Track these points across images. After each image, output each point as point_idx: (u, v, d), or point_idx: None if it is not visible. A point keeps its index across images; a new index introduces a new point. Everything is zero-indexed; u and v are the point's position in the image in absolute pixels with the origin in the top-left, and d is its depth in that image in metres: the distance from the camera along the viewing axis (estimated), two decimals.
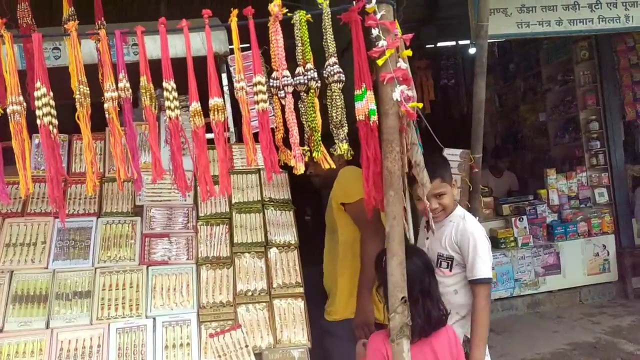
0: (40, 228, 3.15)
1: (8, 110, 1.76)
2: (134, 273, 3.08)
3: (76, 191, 3.34)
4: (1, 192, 2.05)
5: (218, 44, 3.84)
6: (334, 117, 1.93)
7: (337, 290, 3.21)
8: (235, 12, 1.90)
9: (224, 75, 3.83)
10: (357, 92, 1.95)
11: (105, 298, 2.96)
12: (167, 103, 1.91)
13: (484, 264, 2.56)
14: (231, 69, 3.57)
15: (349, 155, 1.94)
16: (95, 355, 2.77)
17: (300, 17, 1.95)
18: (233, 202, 3.48)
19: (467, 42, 7.55)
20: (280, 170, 3.60)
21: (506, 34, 4.68)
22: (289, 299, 3.14)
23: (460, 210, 2.75)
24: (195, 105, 1.93)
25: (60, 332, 2.81)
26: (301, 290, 3.18)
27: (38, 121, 1.82)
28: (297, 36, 1.97)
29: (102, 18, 2.22)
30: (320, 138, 1.95)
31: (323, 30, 1.98)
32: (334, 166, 1.96)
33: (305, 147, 1.96)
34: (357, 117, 1.97)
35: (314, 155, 1.93)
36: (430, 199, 2.62)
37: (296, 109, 2.00)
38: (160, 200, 3.42)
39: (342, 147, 1.93)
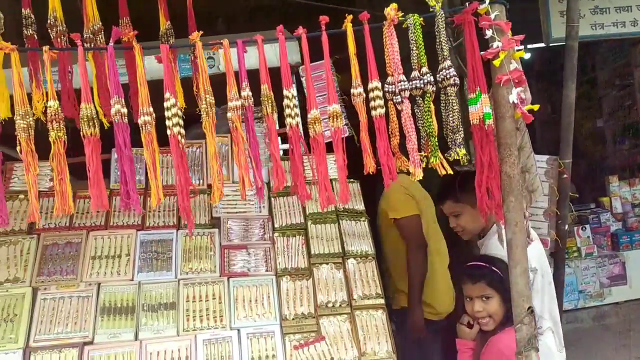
0: (123, 241, 3.20)
1: (140, 122, 1.79)
2: (216, 285, 3.10)
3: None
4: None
5: (291, 55, 3.86)
6: (450, 122, 1.90)
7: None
8: (349, 17, 1.89)
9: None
10: (471, 95, 1.91)
11: (189, 309, 2.98)
12: (287, 110, 1.92)
13: None
14: (302, 79, 3.58)
15: (465, 160, 1.91)
16: None
17: (415, 21, 1.93)
18: (307, 213, 3.48)
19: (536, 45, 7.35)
20: (351, 180, 3.67)
21: (581, 36, 4.58)
22: (370, 311, 3.11)
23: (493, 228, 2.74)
24: (315, 113, 1.92)
25: (149, 343, 2.83)
26: (382, 301, 3.15)
27: (168, 131, 1.84)
28: (412, 40, 1.95)
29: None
30: (437, 143, 1.92)
31: (436, 33, 1.96)
32: (450, 172, 1.93)
33: (423, 153, 1.93)
34: (472, 122, 1.93)
35: (431, 161, 1.91)
36: (449, 217, 3.06)
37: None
38: (236, 212, 3.44)
39: (460, 152, 1.90)
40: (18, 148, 1.74)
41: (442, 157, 1.90)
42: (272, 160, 1.91)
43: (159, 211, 3.37)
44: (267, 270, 3.20)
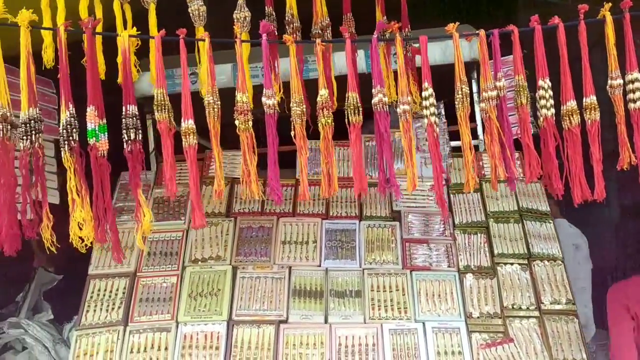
0: (310, 228, 3.36)
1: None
2: (399, 276, 3.14)
3: (338, 195, 3.50)
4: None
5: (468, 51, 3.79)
6: None
7: None
8: (608, 6, 1.81)
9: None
10: None
11: (375, 299, 3.05)
12: (542, 102, 1.89)
13: None
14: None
15: None
16: (371, 354, 2.86)
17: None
18: (488, 210, 3.40)
19: None
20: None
21: None
22: (561, 316, 2.97)
23: None
24: (572, 104, 1.87)
25: (338, 327, 2.95)
26: (574, 308, 2.99)
27: (425, 120, 1.89)
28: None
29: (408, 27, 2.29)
30: None
31: None
32: None
33: None
34: None
35: None
36: None
37: None
38: (416, 207, 3.46)
39: None
40: (292, 133, 1.89)
41: None
42: (525, 150, 1.88)
43: (342, 202, 3.49)
44: (449, 266, 3.18)
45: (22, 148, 1.80)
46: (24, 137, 1.79)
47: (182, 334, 2.94)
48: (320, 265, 3.20)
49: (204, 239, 3.31)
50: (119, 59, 1.89)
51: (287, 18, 2.27)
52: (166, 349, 2.90)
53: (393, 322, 2.96)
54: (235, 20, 2.07)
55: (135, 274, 3.17)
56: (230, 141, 2.53)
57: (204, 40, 1.90)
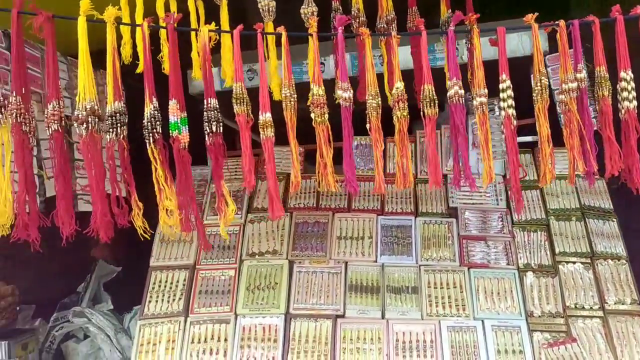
0: (365, 223, 3.36)
1: (475, 103, 1.85)
2: (456, 273, 3.11)
3: (393, 191, 3.50)
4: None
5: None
6: None
7: None
8: None
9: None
10: None
11: (432, 295, 3.04)
12: (623, 94, 1.85)
13: None
14: (549, 69, 3.41)
15: None
16: (429, 350, 2.84)
17: None
18: (548, 208, 3.33)
19: None
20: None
21: None
22: (626, 317, 2.88)
23: None
24: None
25: (395, 323, 2.95)
26: (639, 308, 2.90)
27: (503, 112, 1.87)
28: None
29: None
30: None
31: None
32: None
33: None
34: None
35: None
36: None
37: None
38: (472, 203, 3.42)
39: None
40: (368, 125, 1.91)
41: None
42: (607, 143, 1.83)
43: (397, 198, 3.48)
44: (508, 264, 3.13)
45: (108, 140, 1.87)
46: (110, 130, 1.87)
47: (240, 326, 2.99)
48: (376, 261, 3.20)
49: (260, 234, 3.36)
50: (194, 55, 1.95)
51: (353, 12, 2.28)
52: (225, 340, 2.95)
53: (451, 319, 2.94)
54: (303, 15, 2.10)
55: (195, 267, 3.24)
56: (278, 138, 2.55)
57: (280, 34, 1.93)
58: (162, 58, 1.93)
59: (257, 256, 3.26)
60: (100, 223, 1.87)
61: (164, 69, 1.94)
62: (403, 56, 2.43)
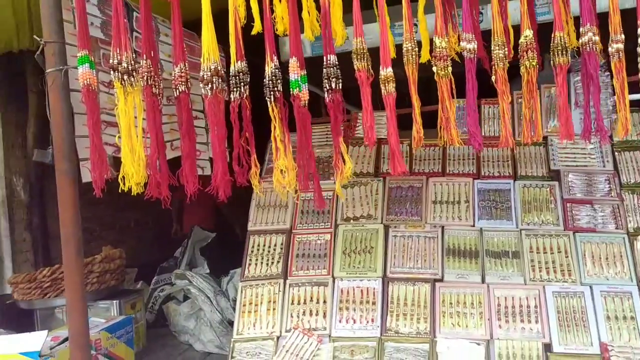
0: (461, 188, 3.29)
1: (611, 50, 1.74)
2: (560, 238, 3.00)
3: (489, 154, 3.40)
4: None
5: None
6: None
7: None
8: None
9: None
10: None
11: (534, 260, 2.94)
12: None
13: None
14: None
15: None
16: (534, 315, 2.77)
17: None
18: None
19: None
20: None
21: None
22: None
23: None
24: None
25: (496, 288, 2.89)
26: None
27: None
28: None
29: None
30: None
31: None
32: None
33: None
34: None
35: None
36: None
37: None
38: (576, 165, 3.26)
39: None
40: (493, 77, 1.85)
41: None
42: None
43: (494, 161, 3.38)
44: (616, 228, 2.98)
45: (232, 99, 1.92)
46: (235, 89, 1.92)
47: (339, 288, 3.04)
48: (474, 225, 3.13)
49: (354, 199, 3.37)
50: (304, 14, 1.94)
51: None
52: (324, 302, 3.01)
53: (557, 284, 2.84)
54: None
55: (291, 231, 3.30)
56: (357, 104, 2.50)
57: None
58: (274, 19, 1.93)
59: (352, 220, 3.28)
60: (220, 182, 1.93)
61: (276, 30, 1.95)
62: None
